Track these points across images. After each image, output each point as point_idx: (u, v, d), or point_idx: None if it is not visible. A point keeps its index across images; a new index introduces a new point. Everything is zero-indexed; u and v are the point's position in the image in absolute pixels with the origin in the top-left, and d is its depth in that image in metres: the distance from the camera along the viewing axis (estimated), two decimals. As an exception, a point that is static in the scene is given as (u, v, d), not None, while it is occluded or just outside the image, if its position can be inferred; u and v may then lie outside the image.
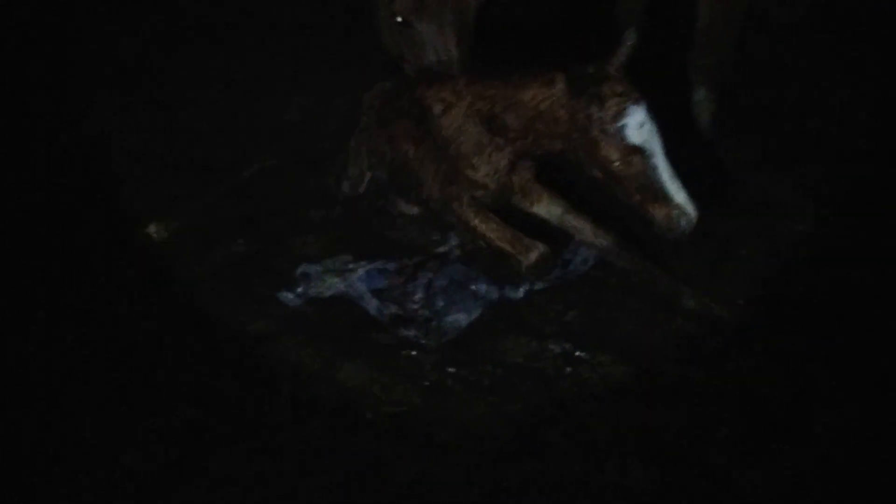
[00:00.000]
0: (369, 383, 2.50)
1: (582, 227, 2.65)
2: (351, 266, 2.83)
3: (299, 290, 2.78)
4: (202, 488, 2.23)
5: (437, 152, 2.59)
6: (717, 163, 3.14)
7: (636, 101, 2.09)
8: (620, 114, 2.08)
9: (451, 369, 2.53)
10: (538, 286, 2.71)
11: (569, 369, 2.50)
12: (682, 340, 2.55)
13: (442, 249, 2.91)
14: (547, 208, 2.65)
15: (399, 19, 2.62)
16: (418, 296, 2.73)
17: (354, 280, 2.78)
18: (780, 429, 2.29)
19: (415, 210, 2.94)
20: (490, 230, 2.58)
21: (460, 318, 2.64)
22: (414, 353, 2.59)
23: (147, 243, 3.03)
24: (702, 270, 2.76)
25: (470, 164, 2.53)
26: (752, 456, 2.20)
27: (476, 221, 2.58)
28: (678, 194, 2.14)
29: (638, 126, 2.09)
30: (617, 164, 2.13)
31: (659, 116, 2.22)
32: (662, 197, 2.15)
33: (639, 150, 2.11)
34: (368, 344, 2.63)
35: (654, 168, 2.11)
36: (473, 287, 2.71)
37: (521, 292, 2.72)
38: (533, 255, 2.53)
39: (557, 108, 2.19)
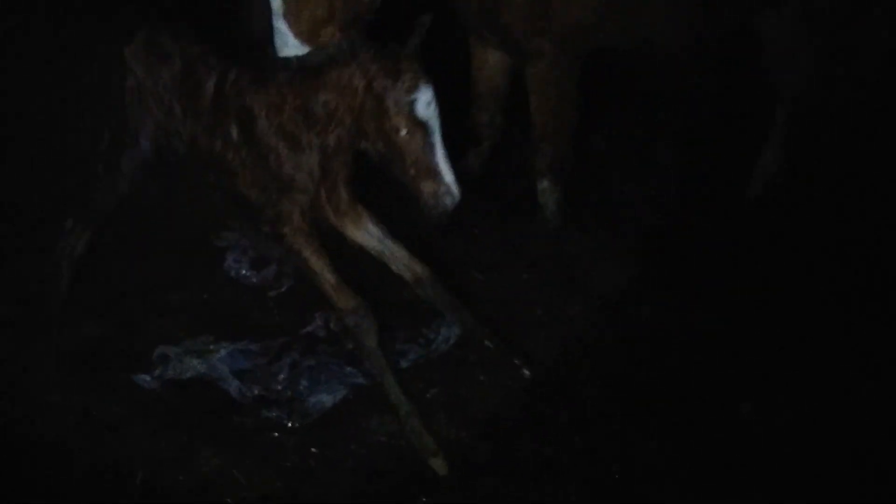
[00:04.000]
0: (229, 468, 2.44)
1: (399, 255, 2.70)
2: (212, 347, 2.79)
3: (156, 372, 2.71)
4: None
5: (258, 159, 2.57)
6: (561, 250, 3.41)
7: (427, 81, 2.27)
8: (413, 89, 2.25)
9: (314, 450, 2.52)
10: (402, 365, 2.79)
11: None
12: (534, 417, 2.68)
13: (308, 330, 2.94)
14: (365, 232, 2.69)
15: None
16: (282, 376, 2.73)
17: (216, 361, 2.74)
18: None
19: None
20: (318, 266, 2.56)
21: (324, 399, 2.65)
22: (276, 434, 2.56)
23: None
24: (553, 349, 2.95)
25: (288, 165, 2.51)
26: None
27: (307, 253, 2.56)
28: (448, 174, 2.30)
29: (426, 103, 2.26)
30: (402, 133, 2.27)
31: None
32: (434, 174, 2.29)
33: (423, 125, 2.26)
34: (228, 427, 2.58)
35: (432, 145, 2.27)
36: (338, 368, 2.75)
37: (384, 373, 2.78)
38: (349, 305, 2.54)
39: (356, 80, 2.31)
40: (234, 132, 2.56)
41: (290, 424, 2.58)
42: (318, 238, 2.56)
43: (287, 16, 2.46)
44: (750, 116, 3.79)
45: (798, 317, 3.05)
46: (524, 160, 3.59)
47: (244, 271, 3.23)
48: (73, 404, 2.63)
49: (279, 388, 2.70)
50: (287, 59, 2.48)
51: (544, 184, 3.35)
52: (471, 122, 3.49)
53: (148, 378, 2.68)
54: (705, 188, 3.76)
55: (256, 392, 2.68)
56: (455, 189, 2.30)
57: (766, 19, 3.35)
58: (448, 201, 2.31)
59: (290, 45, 2.48)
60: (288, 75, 2.46)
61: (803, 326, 3.00)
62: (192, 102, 2.65)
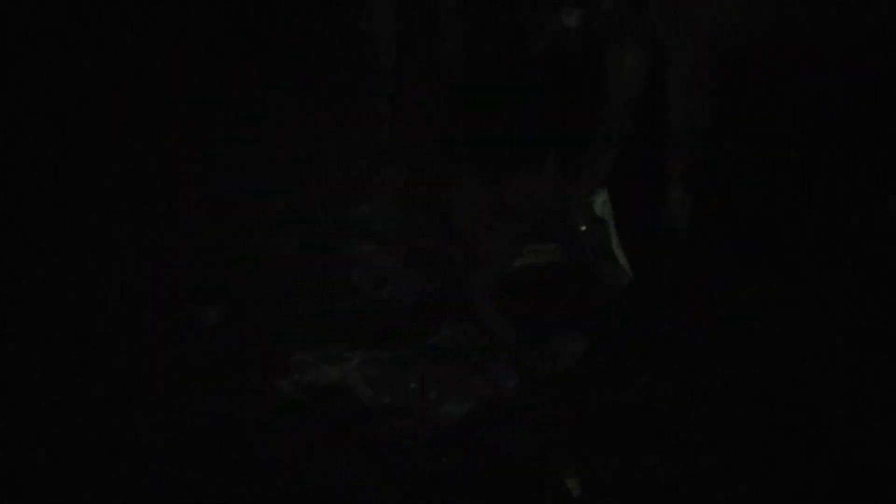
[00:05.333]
0: (364, 474, 2.51)
1: None
2: (345, 355, 2.87)
3: (293, 378, 2.81)
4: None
5: (456, 242, 3.07)
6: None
7: (602, 185, 2.73)
8: (590, 192, 2.71)
9: (445, 461, 2.56)
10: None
11: (557, 463, 2.55)
12: (667, 435, 2.63)
13: (433, 340, 2.98)
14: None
15: None
16: (412, 386, 2.78)
17: (349, 369, 2.82)
18: None
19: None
20: (492, 321, 2.93)
21: (454, 410, 2.69)
22: (409, 444, 2.61)
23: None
24: (682, 366, 2.89)
25: (486, 245, 2.98)
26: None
27: (486, 309, 2.94)
28: (622, 258, 2.71)
29: (602, 203, 2.72)
30: (582, 229, 2.71)
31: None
32: (611, 258, 2.70)
33: (599, 221, 2.70)
34: (363, 434, 2.65)
35: (608, 236, 2.70)
36: (466, 379, 2.78)
37: (512, 385, 2.80)
38: (511, 338, 2.91)
39: (541, 186, 2.79)
40: (435, 224, 3.13)
41: (421, 435, 2.63)
42: (497, 299, 2.95)
43: None
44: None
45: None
46: (650, 168, 3.52)
47: (365, 285, 3.32)
48: (215, 407, 2.76)
49: (409, 397, 2.75)
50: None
51: (676, 192, 3.27)
52: (599, 127, 3.45)
53: (286, 384, 2.79)
54: (846, 200, 3.57)
55: (388, 401, 2.74)
56: (629, 270, 2.71)
57: None
58: (624, 281, 2.71)
59: None
60: (480, 176, 2.99)
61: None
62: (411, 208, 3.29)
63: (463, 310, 3.03)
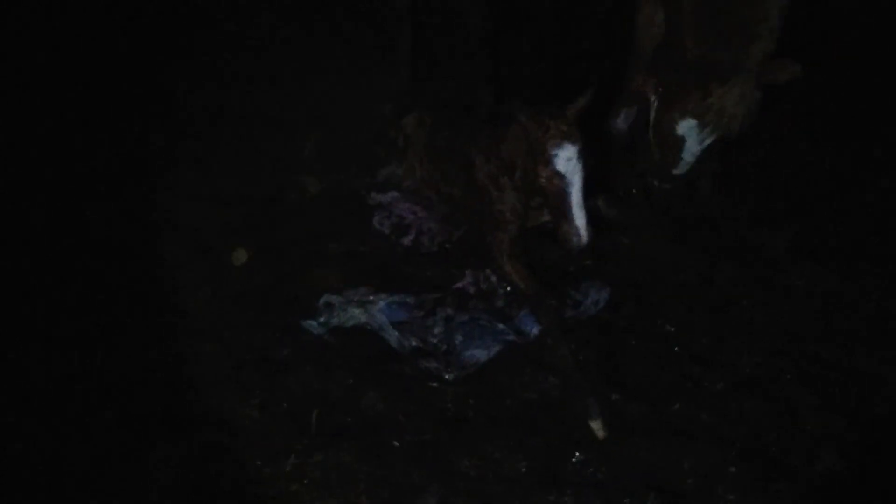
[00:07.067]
0: (393, 412, 2.59)
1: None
2: (372, 298, 2.92)
3: (322, 319, 2.87)
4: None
5: (478, 198, 3.06)
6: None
7: (572, 141, 2.61)
8: (557, 145, 2.60)
9: (471, 401, 2.63)
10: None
11: (581, 406, 2.62)
12: (688, 382, 2.70)
13: (459, 286, 3.03)
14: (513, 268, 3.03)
15: None
16: (437, 330, 2.83)
17: (375, 312, 2.87)
18: (778, 469, 2.45)
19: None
20: (515, 275, 2.98)
21: (479, 354, 2.75)
22: (435, 384, 2.68)
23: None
24: (704, 315, 2.95)
25: (500, 205, 2.98)
26: (754, 495, 2.35)
27: (509, 268, 2.99)
28: (580, 219, 2.62)
29: (566, 159, 2.60)
30: (543, 180, 2.64)
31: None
32: (567, 218, 2.62)
33: (561, 176, 2.61)
34: (390, 374, 2.72)
35: (568, 194, 2.61)
36: (490, 325, 2.83)
37: (534, 331, 2.85)
38: (533, 291, 2.93)
39: (521, 132, 2.72)
40: (461, 176, 3.15)
41: (447, 376, 2.70)
42: (519, 255, 2.99)
43: None
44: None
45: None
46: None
47: (387, 232, 3.36)
48: (249, 343, 2.83)
49: (435, 340, 2.81)
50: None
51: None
52: (626, 82, 3.43)
53: (315, 324, 2.85)
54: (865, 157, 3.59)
55: (414, 343, 2.80)
56: (583, 234, 2.62)
57: None
58: (575, 243, 2.63)
59: None
60: (490, 128, 2.97)
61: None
62: (438, 156, 3.32)
63: (486, 258, 3.08)
